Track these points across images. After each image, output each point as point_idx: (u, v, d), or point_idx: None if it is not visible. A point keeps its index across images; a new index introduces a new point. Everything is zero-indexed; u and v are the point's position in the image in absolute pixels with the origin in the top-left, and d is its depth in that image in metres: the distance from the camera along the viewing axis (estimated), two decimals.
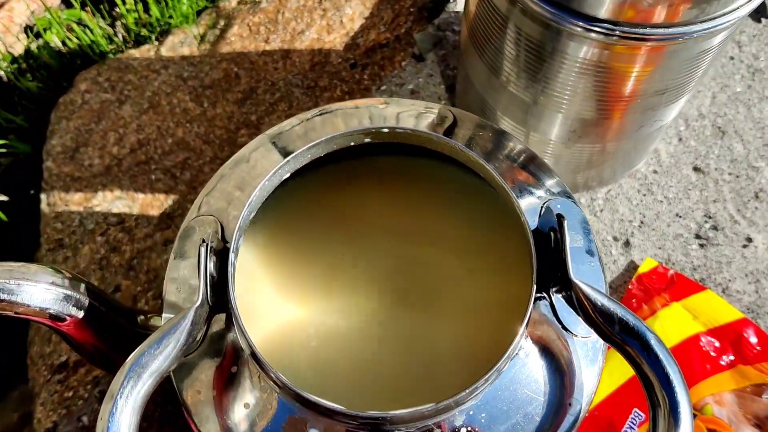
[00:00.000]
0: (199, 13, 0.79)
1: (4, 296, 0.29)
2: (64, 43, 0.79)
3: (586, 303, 0.30)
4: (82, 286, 0.32)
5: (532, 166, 0.39)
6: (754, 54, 0.61)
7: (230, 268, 0.32)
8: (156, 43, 0.78)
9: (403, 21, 0.71)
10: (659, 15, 0.37)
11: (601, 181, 0.55)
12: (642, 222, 0.54)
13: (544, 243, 0.33)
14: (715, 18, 0.37)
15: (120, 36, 0.79)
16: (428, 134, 0.36)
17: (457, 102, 0.60)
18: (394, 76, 0.62)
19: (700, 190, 0.55)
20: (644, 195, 0.55)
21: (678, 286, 0.50)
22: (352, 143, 0.36)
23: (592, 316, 0.30)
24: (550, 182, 0.38)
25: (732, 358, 0.48)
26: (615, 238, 0.54)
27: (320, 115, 0.41)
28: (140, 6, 0.77)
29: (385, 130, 0.36)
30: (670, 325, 0.48)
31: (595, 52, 0.41)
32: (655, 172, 0.56)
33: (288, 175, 0.36)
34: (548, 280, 0.33)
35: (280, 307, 0.40)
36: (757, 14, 0.62)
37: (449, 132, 0.40)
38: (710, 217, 0.54)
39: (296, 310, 0.40)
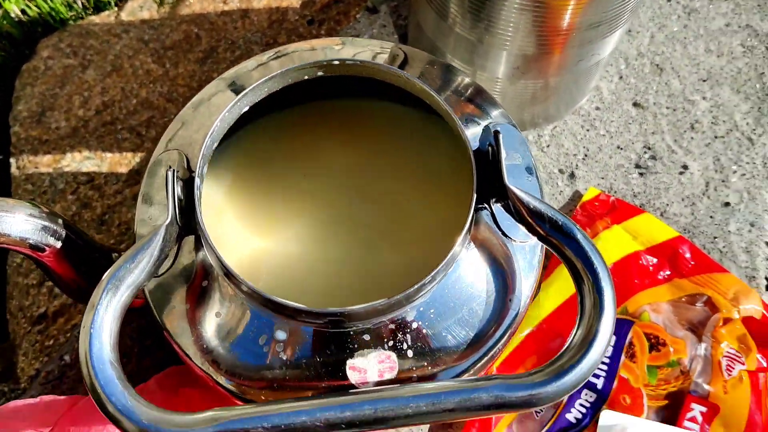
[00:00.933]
0: None
1: None
2: (24, 12, 0.80)
3: (519, 206, 0.34)
4: (60, 220, 0.35)
5: (478, 99, 0.42)
6: None
7: (196, 192, 0.35)
8: (115, 8, 0.79)
9: None
10: None
11: (547, 118, 0.58)
12: (586, 155, 0.58)
13: (483, 158, 0.36)
14: None
15: (80, 3, 0.80)
16: (377, 65, 0.38)
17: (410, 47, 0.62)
18: (349, 28, 0.65)
19: (640, 123, 0.59)
20: (587, 130, 0.59)
21: (619, 211, 0.54)
22: (306, 77, 0.39)
23: (526, 217, 0.34)
24: (494, 112, 0.41)
25: (669, 272, 0.52)
26: (561, 171, 0.57)
27: (276, 57, 0.43)
28: None
29: (336, 62, 0.38)
30: (611, 245, 0.52)
31: None
32: (597, 108, 0.59)
33: (246, 108, 0.38)
34: (488, 191, 0.36)
35: (246, 237, 0.43)
36: None
37: (401, 68, 0.43)
38: (649, 148, 0.58)
39: (261, 239, 0.43)
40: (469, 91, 0.42)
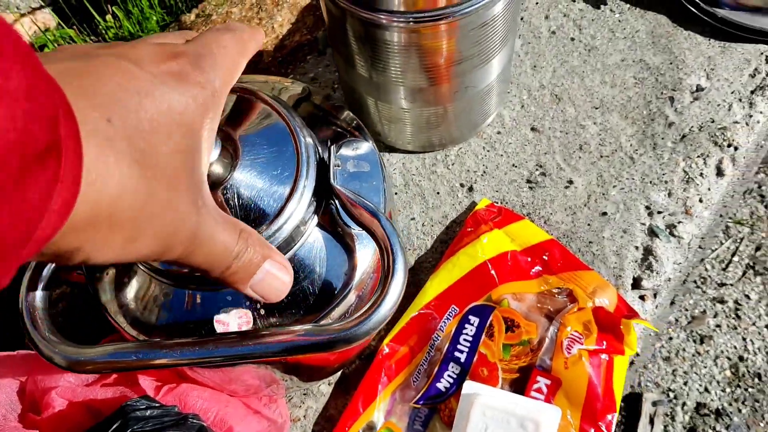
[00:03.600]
0: (164, 27, 0.96)
1: None
2: None
3: (343, 199, 0.45)
4: None
5: (348, 125, 0.53)
6: (592, 35, 0.74)
7: None
8: None
9: (321, 24, 0.86)
10: (437, 3, 0.51)
11: (452, 140, 0.69)
12: (484, 172, 0.68)
13: (322, 164, 0.48)
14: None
15: None
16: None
17: (340, 85, 0.75)
18: (299, 67, 0.78)
19: (535, 145, 0.69)
20: (488, 151, 0.69)
21: (503, 218, 0.64)
22: None
23: (348, 208, 0.45)
24: (360, 134, 0.52)
25: (540, 269, 0.61)
26: (462, 185, 0.68)
27: (245, 82, 0.56)
28: (117, 22, 0.95)
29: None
30: (490, 245, 0.62)
31: (403, 36, 0.55)
32: (498, 132, 0.70)
33: None
34: (325, 189, 0.47)
35: None
36: (597, 2, 0.76)
37: (304, 98, 0.55)
38: (541, 166, 0.68)
39: None
40: (342, 118, 0.54)
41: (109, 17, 0.97)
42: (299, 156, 0.46)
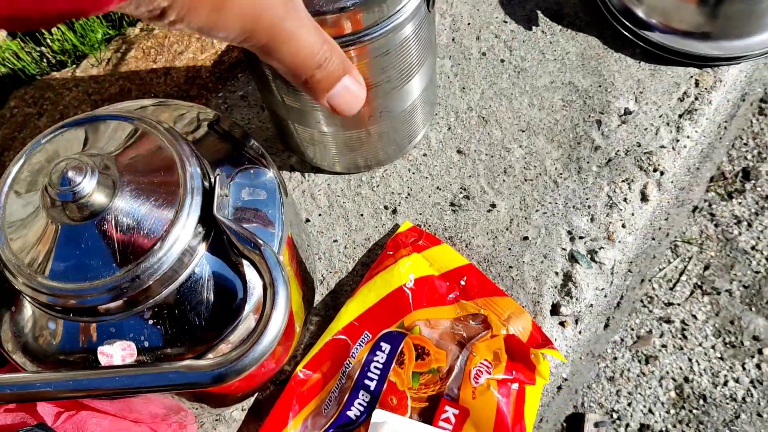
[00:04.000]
0: (109, 40, 0.95)
1: None
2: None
3: (226, 230, 0.44)
4: None
5: (253, 153, 0.53)
6: (522, 57, 0.74)
7: None
8: (74, 66, 0.94)
9: None
10: (341, 29, 0.50)
11: (378, 162, 0.68)
12: (409, 194, 0.67)
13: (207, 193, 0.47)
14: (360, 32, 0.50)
15: (45, 61, 0.96)
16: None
17: (265, 105, 0.73)
18: (230, 85, 0.77)
19: (460, 168, 0.68)
20: (413, 173, 0.68)
21: (423, 242, 0.63)
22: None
23: (232, 240, 0.44)
24: (264, 162, 0.52)
25: (457, 293, 0.61)
26: (386, 207, 0.67)
27: (158, 105, 0.55)
28: (62, 35, 0.94)
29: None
30: (408, 269, 0.61)
31: None
32: (425, 155, 0.69)
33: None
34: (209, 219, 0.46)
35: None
36: (528, 22, 0.75)
37: (213, 124, 0.54)
38: (465, 189, 0.67)
39: None
40: (248, 145, 0.53)
41: (54, 29, 0.97)
42: (184, 185, 0.46)
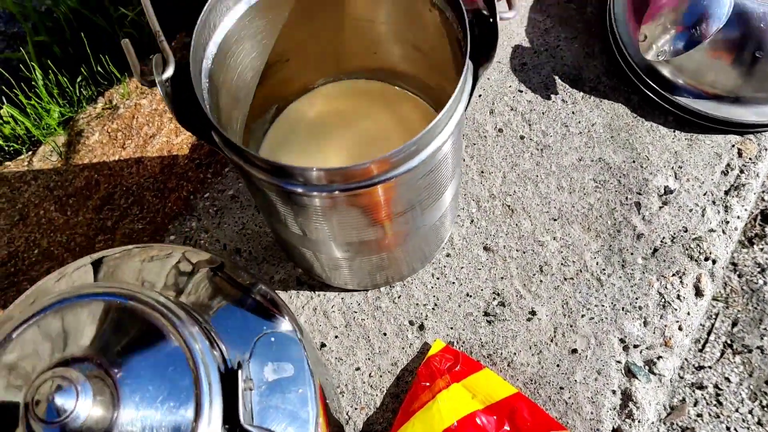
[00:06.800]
0: (67, 121, 0.85)
1: None
2: None
3: None
4: None
5: (265, 306, 0.44)
6: (543, 131, 0.66)
7: None
8: (29, 153, 0.83)
9: None
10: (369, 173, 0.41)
11: (401, 277, 0.59)
12: (436, 305, 0.59)
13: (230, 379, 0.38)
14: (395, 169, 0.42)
15: None
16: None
17: (269, 227, 0.63)
18: (217, 183, 0.68)
19: (489, 268, 0.60)
20: (438, 278, 0.60)
21: (461, 367, 0.55)
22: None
23: None
24: (279, 320, 0.43)
25: (508, 428, 0.53)
26: (411, 323, 0.59)
27: (140, 248, 0.46)
28: (12, 120, 0.83)
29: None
30: (448, 407, 0.53)
31: (337, 202, 0.45)
32: (448, 255, 0.61)
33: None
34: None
35: None
36: (546, 90, 0.68)
37: (217, 270, 0.45)
38: (498, 294, 0.59)
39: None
40: (260, 294, 0.44)
41: (4, 112, 0.86)
42: (198, 384, 0.37)
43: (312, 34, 0.54)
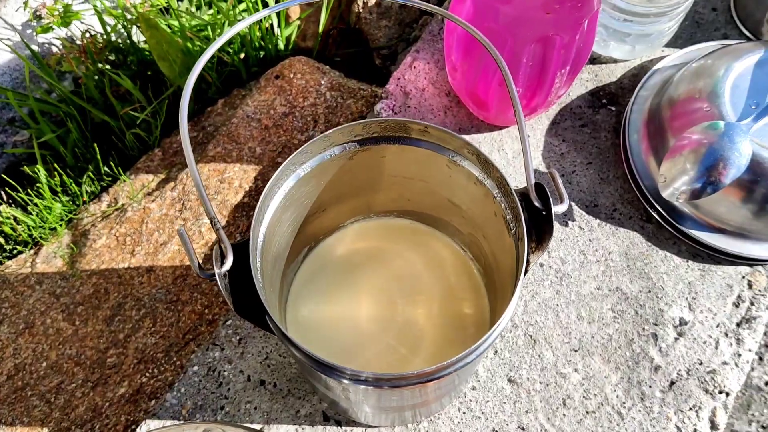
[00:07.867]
0: (70, 221, 0.83)
1: None
2: None
3: None
4: None
5: None
6: (561, 258, 0.68)
7: None
8: (31, 252, 0.82)
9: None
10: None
11: (429, 413, 0.60)
12: None
13: None
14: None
15: None
16: None
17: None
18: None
19: (514, 401, 0.61)
20: (464, 413, 0.61)
21: None
22: None
23: None
24: None
25: None
26: None
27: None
28: (13, 220, 0.82)
29: None
30: None
31: (373, 393, 0.45)
32: (473, 388, 0.62)
33: None
34: None
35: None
36: (563, 217, 0.70)
37: None
38: (524, 429, 0.60)
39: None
40: None
41: (4, 210, 0.84)
42: None
43: (351, 189, 0.54)
